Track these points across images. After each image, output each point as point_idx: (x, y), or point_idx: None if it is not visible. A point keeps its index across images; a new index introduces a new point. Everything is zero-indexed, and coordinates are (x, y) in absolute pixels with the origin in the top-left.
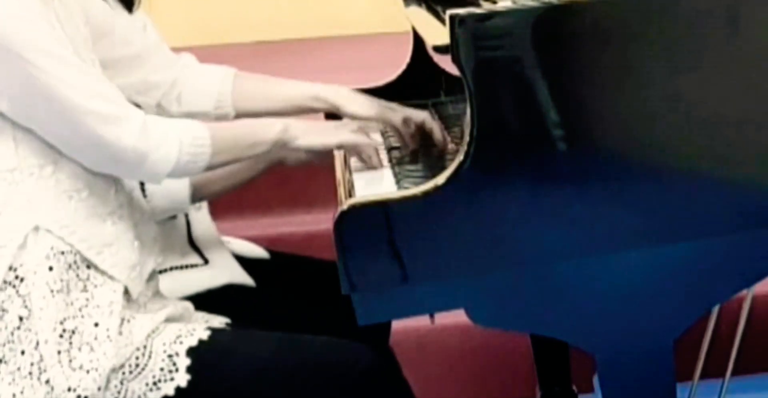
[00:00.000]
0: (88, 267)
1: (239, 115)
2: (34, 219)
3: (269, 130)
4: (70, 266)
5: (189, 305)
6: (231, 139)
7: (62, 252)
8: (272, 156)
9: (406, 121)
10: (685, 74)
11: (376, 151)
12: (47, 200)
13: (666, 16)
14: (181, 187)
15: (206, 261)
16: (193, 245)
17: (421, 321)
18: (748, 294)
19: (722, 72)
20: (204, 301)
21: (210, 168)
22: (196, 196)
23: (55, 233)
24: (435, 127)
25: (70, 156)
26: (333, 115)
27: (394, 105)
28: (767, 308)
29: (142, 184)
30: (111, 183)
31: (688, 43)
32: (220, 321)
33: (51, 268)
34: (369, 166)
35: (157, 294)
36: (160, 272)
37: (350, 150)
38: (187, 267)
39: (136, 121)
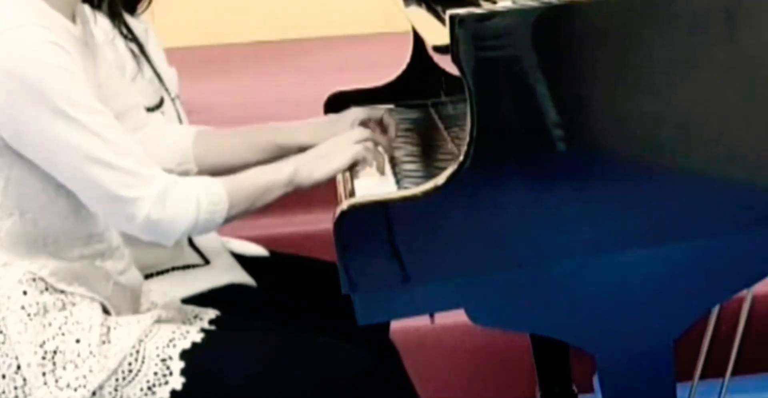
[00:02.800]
0: (62, 292)
1: (202, 171)
2: (3, 256)
3: (280, 173)
4: (45, 289)
5: (179, 305)
6: (245, 190)
7: (33, 279)
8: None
9: (365, 124)
10: (684, 74)
11: (384, 156)
12: (20, 241)
13: (665, 16)
14: None
15: (207, 262)
16: (194, 246)
17: (421, 321)
18: (748, 294)
19: (722, 72)
20: (205, 301)
21: (227, 221)
22: None
23: (25, 268)
24: (388, 119)
25: (88, 206)
26: (333, 106)
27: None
28: (767, 308)
29: None
30: (88, 236)
31: (688, 43)
32: (210, 315)
33: (25, 293)
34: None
35: (140, 305)
36: (161, 273)
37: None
38: (188, 267)
39: (156, 185)
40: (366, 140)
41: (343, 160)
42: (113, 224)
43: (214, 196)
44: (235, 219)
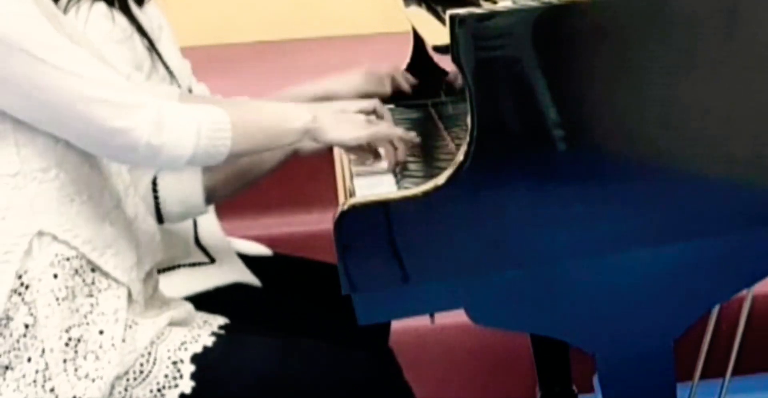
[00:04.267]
0: (93, 270)
1: None
2: (37, 223)
3: (296, 119)
4: (75, 272)
5: (190, 307)
6: (254, 127)
7: (67, 259)
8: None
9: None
10: (684, 74)
11: (405, 143)
12: (50, 204)
13: (665, 16)
14: (194, 191)
15: (212, 260)
16: (199, 244)
17: (421, 321)
18: (748, 294)
19: (721, 72)
20: (211, 300)
21: (234, 156)
22: (209, 199)
23: (60, 237)
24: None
25: (86, 149)
26: None
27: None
28: (767, 308)
29: (155, 191)
30: (103, 184)
31: (688, 43)
32: (219, 322)
33: (56, 276)
34: (395, 159)
35: (156, 293)
36: (168, 269)
37: (380, 142)
38: (194, 265)
39: (149, 110)
40: (390, 136)
41: (365, 131)
42: (120, 161)
43: (217, 123)
44: (242, 155)
